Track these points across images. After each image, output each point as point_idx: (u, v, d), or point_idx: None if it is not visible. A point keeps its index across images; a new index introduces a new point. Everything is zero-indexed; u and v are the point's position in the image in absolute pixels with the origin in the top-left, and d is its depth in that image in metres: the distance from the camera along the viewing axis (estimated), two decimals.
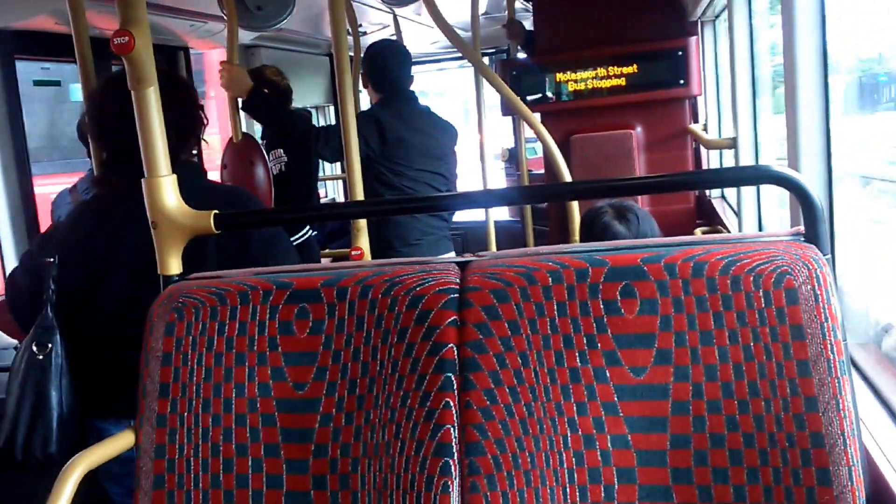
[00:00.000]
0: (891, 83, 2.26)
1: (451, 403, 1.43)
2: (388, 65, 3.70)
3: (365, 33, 5.58)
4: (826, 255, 1.38)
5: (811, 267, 1.34)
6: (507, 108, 4.49)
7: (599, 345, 1.40)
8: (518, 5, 5.27)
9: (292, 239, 3.86)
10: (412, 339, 1.48)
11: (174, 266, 1.72)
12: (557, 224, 4.58)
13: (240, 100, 3.46)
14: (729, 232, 3.73)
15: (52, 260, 2.02)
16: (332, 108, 6.73)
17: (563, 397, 1.40)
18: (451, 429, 1.42)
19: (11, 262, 3.71)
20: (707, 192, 4.66)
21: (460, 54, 5.97)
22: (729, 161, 4.34)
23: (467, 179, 5.14)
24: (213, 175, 3.08)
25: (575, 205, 3.27)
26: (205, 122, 2.23)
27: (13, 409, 1.99)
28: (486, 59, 6.76)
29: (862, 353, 1.82)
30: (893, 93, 2.28)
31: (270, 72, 4.29)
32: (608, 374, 1.40)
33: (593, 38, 4.49)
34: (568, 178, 3.35)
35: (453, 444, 1.42)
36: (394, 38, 5.17)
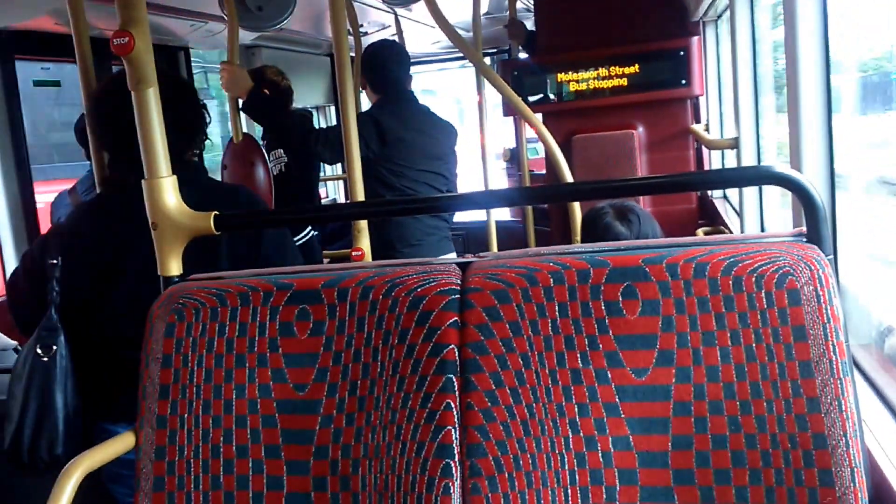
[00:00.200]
0: None
1: (452, 405, 1.43)
2: (386, 65, 3.69)
3: (366, 33, 5.58)
4: (828, 255, 1.37)
5: (813, 268, 1.34)
6: (509, 109, 4.48)
7: (601, 346, 1.40)
8: (519, 5, 5.26)
9: (294, 239, 3.86)
10: (413, 341, 1.48)
11: (174, 267, 1.72)
12: (559, 224, 4.58)
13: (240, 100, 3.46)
14: (731, 232, 3.73)
15: (55, 262, 2.01)
16: (332, 109, 6.73)
17: (565, 398, 1.40)
18: (453, 430, 1.42)
19: (11, 263, 3.70)
20: (709, 192, 4.65)
21: (461, 54, 5.97)
22: (731, 161, 4.34)
23: (468, 180, 5.14)
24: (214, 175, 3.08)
25: (576, 205, 3.26)
26: (208, 120, 2.22)
27: (18, 411, 1.98)
28: (487, 60, 6.75)
29: (864, 355, 1.82)
30: None
31: (271, 72, 4.29)
32: (610, 376, 1.39)
33: (595, 38, 4.49)
34: (569, 178, 3.35)
35: (454, 445, 1.42)
36: (395, 38, 5.17)
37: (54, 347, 1.99)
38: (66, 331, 2.00)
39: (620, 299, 1.40)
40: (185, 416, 1.56)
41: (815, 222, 1.40)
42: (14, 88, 3.59)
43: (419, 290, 1.50)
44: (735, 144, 3.35)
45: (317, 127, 3.89)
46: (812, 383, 1.31)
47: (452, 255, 3.74)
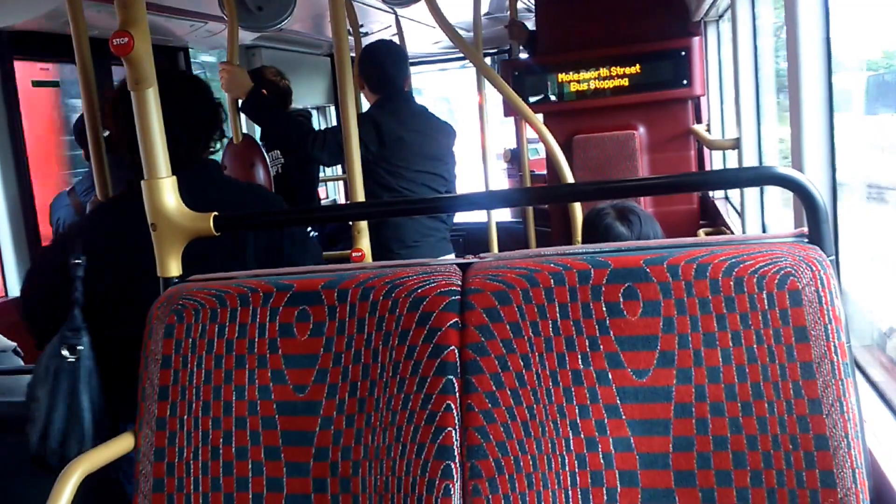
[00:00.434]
0: None
1: (453, 406, 1.42)
2: (382, 65, 3.67)
3: (366, 34, 5.57)
4: (830, 256, 1.37)
5: (815, 268, 1.33)
6: (510, 109, 4.48)
7: (602, 347, 1.40)
8: (520, 5, 5.26)
9: None
10: (413, 342, 1.47)
11: (174, 268, 1.71)
12: (559, 225, 4.58)
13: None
14: (732, 233, 3.72)
15: (79, 261, 2.00)
16: (332, 109, 6.73)
17: (566, 400, 1.40)
18: (453, 431, 1.42)
19: (11, 264, 3.71)
20: (710, 193, 4.65)
21: (462, 55, 5.97)
22: (732, 162, 4.34)
23: (468, 180, 5.13)
24: None
25: (577, 206, 3.26)
26: (223, 118, 2.22)
27: (43, 413, 1.96)
28: (487, 60, 6.75)
29: (866, 356, 1.81)
30: None
31: (270, 72, 4.28)
32: (610, 377, 1.39)
33: (596, 38, 4.49)
34: (570, 179, 3.34)
35: (455, 446, 1.41)
36: (395, 38, 5.17)
37: (80, 348, 1.97)
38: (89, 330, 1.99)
39: (621, 300, 1.40)
40: (185, 417, 1.56)
41: (816, 223, 1.40)
42: (13, 90, 3.59)
43: (419, 291, 1.50)
44: (736, 145, 3.36)
45: (316, 128, 3.87)
46: (813, 384, 1.30)
47: (451, 257, 3.73)
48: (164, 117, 2.02)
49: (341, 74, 2.43)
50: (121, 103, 2.13)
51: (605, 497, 1.36)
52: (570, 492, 1.37)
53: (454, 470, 1.40)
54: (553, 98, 4.60)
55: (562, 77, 4.54)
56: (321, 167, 4.81)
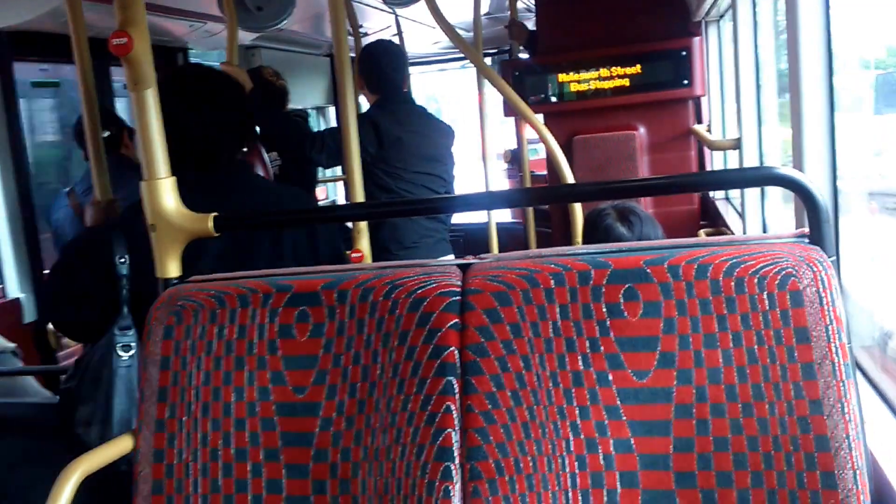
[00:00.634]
0: None
1: (453, 407, 1.42)
2: (379, 65, 3.66)
3: (366, 34, 5.57)
4: (831, 256, 1.36)
5: (816, 269, 1.33)
6: (510, 109, 4.48)
7: (602, 348, 1.39)
8: (520, 6, 5.26)
9: None
10: (413, 343, 1.47)
11: (172, 269, 1.71)
12: (560, 226, 4.58)
13: None
14: (733, 233, 3.72)
15: (123, 260, 1.99)
16: (332, 110, 6.73)
17: (566, 401, 1.39)
18: (453, 433, 1.41)
19: (10, 265, 3.70)
20: (711, 193, 4.65)
21: (462, 55, 5.96)
22: (733, 162, 4.33)
23: (468, 181, 5.13)
24: None
25: (578, 206, 3.25)
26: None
27: (101, 415, 1.95)
28: (488, 60, 6.75)
29: (867, 357, 1.81)
30: None
31: (267, 72, 4.28)
32: (611, 378, 1.38)
33: (596, 38, 4.49)
34: (571, 179, 3.34)
35: (454, 448, 1.41)
36: (395, 38, 5.17)
37: (133, 346, 1.97)
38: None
39: (622, 301, 1.39)
40: (184, 418, 1.56)
41: (817, 223, 1.39)
42: (12, 91, 3.59)
43: (419, 291, 1.49)
44: (737, 145, 3.35)
45: (315, 129, 3.87)
46: (814, 385, 1.30)
47: (450, 257, 3.73)
48: (199, 119, 2.03)
49: (341, 75, 2.43)
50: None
51: (606, 498, 1.36)
52: (570, 493, 1.37)
53: (454, 471, 1.40)
54: (553, 98, 4.60)
55: (562, 77, 4.54)
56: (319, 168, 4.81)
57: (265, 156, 3.63)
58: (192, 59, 5.00)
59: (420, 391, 1.44)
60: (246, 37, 4.76)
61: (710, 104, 5.00)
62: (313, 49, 6.21)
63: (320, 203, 5.75)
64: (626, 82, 4.44)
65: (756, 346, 1.33)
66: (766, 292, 1.34)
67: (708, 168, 4.95)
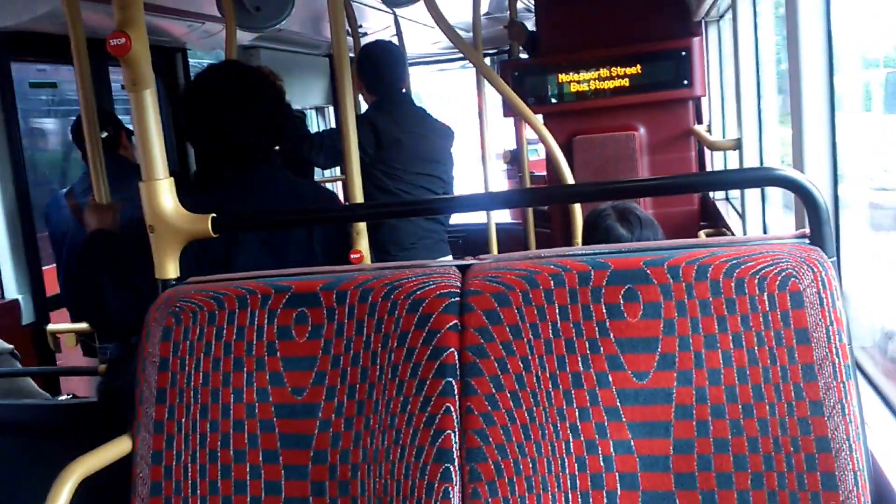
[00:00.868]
0: None
1: (452, 408, 1.42)
2: (377, 66, 3.66)
3: (365, 34, 5.57)
4: (831, 257, 1.36)
5: (816, 270, 1.33)
6: (509, 110, 4.47)
7: (602, 349, 1.39)
8: (520, 5, 5.25)
9: None
10: (412, 344, 1.47)
11: (171, 270, 1.70)
12: (560, 227, 4.57)
13: None
14: (733, 234, 3.72)
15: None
16: (331, 110, 6.72)
17: (566, 402, 1.39)
18: (452, 434, 1.41)
19: (8, 265, 3.70)
20: (711, 193, 4.64)
21: (461, 55, 5.96)
22: (733, 163, 4.33)
23: (468, 181, 5.13)
24: None
25: (577, 207, 3.25)
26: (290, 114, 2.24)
27: None
28: (487, 60, 6.74)
29: (867, 358, 1.81)
30: None
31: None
32: (611, 379, 1.38)
33: (596, 38, 4.48)
34: (570, 179, 3.33)
35: (454, 449, 1.40)
36: (394, 38, 5.16)
37: None
38: None
39: (621, 302, 1.39)
40: (183, 420, 1.55)
41: (817, 224, 1.39)
42: (10, 91, 3.59)
43: (418, 292, 1.49)
44: (737, 145, 3.35)
45: (313, 129, 3.87)
46: (815, 386, 1.30)
47: (448, 258, 3.72)
48: (241, 118, 2.02)
49: (340, 75, 2.42)
50: (195, 94, 2.16)
51: (606, 500, 1.36)
52: (569, 495, 1.36)
53: (453, 473, 1.39)
54: (553, 98, 4.59)
55: (562, 77, 4.53)
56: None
57: None
58: (192, 60, 5.01)
59: (419, 392, 1.44)
60: (245, 37, 4.75)
61: (710, 104, 5.00)
62: (312, 49, 6.20)
63: None
64: (625, 82, 4.43)
65: (756, 347, 1.33)
66: (766, 293, 1.33)
67: (708, 168, 4.95)
